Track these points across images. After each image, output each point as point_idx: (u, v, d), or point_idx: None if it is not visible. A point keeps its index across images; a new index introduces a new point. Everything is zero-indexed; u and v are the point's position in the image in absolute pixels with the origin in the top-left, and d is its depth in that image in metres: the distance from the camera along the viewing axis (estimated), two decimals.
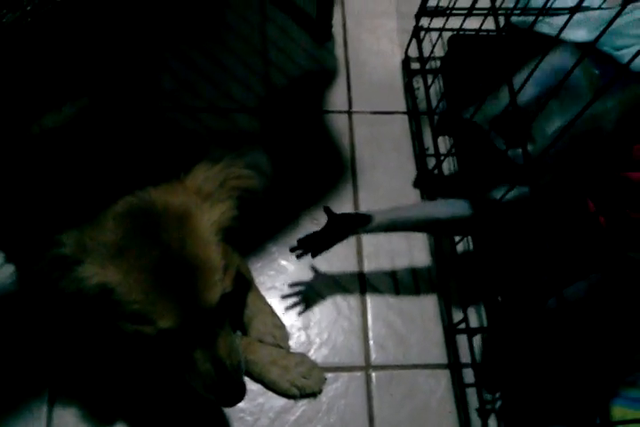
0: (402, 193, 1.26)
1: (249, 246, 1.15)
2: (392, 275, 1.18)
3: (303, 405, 1.04)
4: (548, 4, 1.05)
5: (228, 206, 0.76)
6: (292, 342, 1.09)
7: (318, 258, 1.15)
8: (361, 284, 1.17)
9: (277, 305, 1.12)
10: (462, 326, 1.09)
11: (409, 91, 1.38)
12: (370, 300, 1.15)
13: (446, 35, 1.36)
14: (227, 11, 1.42)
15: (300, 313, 1.13)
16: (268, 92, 1.33)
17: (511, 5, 1.24)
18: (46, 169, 0.78)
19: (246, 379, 1.02)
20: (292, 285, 1.15)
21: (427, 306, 1.17)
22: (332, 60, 1.39)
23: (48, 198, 0.75)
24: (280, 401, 1.04)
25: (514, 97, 0.94)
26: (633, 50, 1.06)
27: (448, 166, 1.29)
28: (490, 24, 1.13)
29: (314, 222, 1.21)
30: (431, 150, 1.28)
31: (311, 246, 0.98)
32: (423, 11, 1.33)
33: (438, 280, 1.19)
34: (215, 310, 0.72)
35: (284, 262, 1.16)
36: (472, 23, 1.20)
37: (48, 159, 0.79)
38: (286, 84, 1.35)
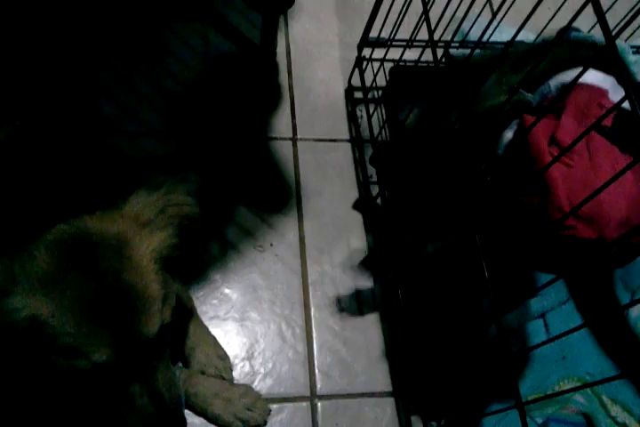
0: (346, 220, 1.27)
1: (191, 275, 1.13)
2: (337, 302, 1.18)
3: None
4: (484, 38, 1.09)
5: (167, 234, 0.73)
6: (235, 373, 1.06)
7: (262, 286, 1.15)
8: (306, 312, 1.16)
9: (220, 335, 1.09)
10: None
11: (352, 119, 1.40)
12: (315, 328, 1.14)
13: (388, 65, 1.38)
14: (168, 34, 1.41)
15: (243, 343, 1.10)
16: (210, 118, 1.32)
17: (449, 38, 1.27)
18: None
19: (188, 413, 0.99)
20: (236, 314, 1.13)
21: (371, 333, 1.16)
22: (276, 88, 1.40)
23: None
24: None
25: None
26: None
27: None
28: (429, 55, 1.16)
29: (258, 249, 1.19)
30: (374, 178, 1.30)
31: None
32: (365, 41, 1.35)
33: (382, 307, 1.19)
34: (154, 342, 0.69)
35: (227, 291, 1.14)
36: (412, 54, 1.23)
37: None
38: (229, 111, 1.34)
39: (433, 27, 1.04)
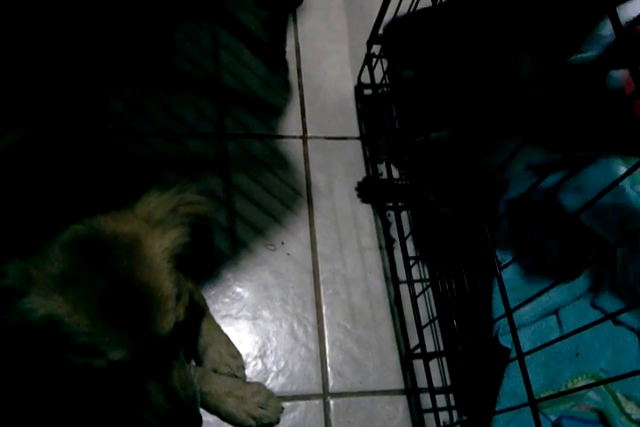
0: (357, 218, 1.26)
1: (203, 273, 1.13)
2: (348, 301, 1.18)
3: None
4: None
5: (179, 233, 0.74)
6: (248, 372, 1.07)
7: (274, 284, 1.15)
8: (318, 310, 1.16)
9: (233, 334, 1.09)
10: (418, 351, 1.10)
11: (362, 116, 1.39)
12: (327, 326, 1.14)
13: None
14: (176, 34, 1.41)
15: (255, 341, 1.11)
16: (221, 117, 1.32)
17: None
18: None
19: (201, 411, 0.99)
20: (248, 312, 1.13)
21: (383, 332, 1.16)
22: (285, 86, 1.40)
23: None
24: None
25: None
26: None
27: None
28: None
29: (269, 248, 1.19)
30: (385, 175, 1.30)
31: None
32: (374, 38, 1.35)
33: (394, 305, 1.18)
34: (168, 340, 0.70)
35: (239, 289, 1.14)
36: None
37: None
38: (240, 110, 1.34)
39: None
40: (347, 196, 1.28)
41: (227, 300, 1.13)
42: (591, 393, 1.06)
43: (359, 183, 1.30)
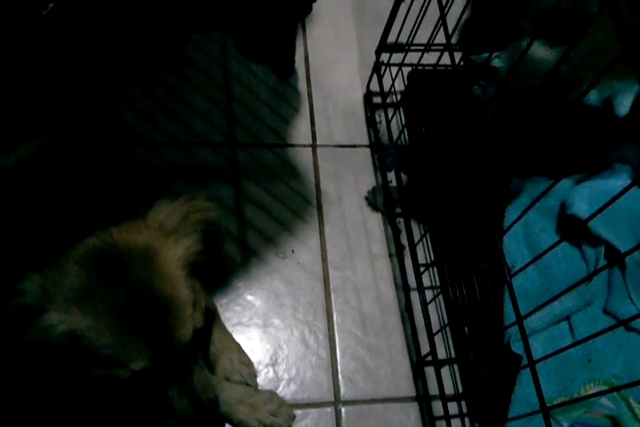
0: (367, 226, 1.27)
1: (214, 282, 1.14)
2: (359, 308, 1.18)
3: None
4: None
5: (192, 241, 0.75)
6: (259, 379, 1.07)
7: (284, 292, 1.15)
8: (328, 318, 1.16)
9: (244, 341, 1.10)
10: (430, 358, 1.10)
11: (371, 124, 1.40)
12: (338, 334, 1.15)
13: (406, 69, 1.38)
14: (187, 45, 1.43)
15: (267, 349, 1.11)
16: (231, 127, 1.34)
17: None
18: (3, 210, 0.76)
19: None
20: (259, 320, 1.14)
21: (394, 339, 1.16)
22: (295, 95, 1.41)
23: (7, 240, 0.73)
24: None
25: None
26: None
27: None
28: (447, 59, 1.16)
29: (279, 256, 1.20)
30: (394, 182, 1.30)
31: None
32: (383, 46, 1.36)
33: (405, 312, 1.19)
34: (188, 346, 0.71)
35: (250, 298, 1.15)
36: (431, 58, 1.23)
37: (4, 200, 0.77)
38: (249, 119, 1.35)
39: (450, 30, 1.05)
40: (356, 203, 1.29)
41: (238, 308, 1.14)
42: (604, 400, 1.06)
43: (369, 192, 1.30)
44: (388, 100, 1.40)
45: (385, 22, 1.28)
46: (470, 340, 1.13)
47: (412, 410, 1.10)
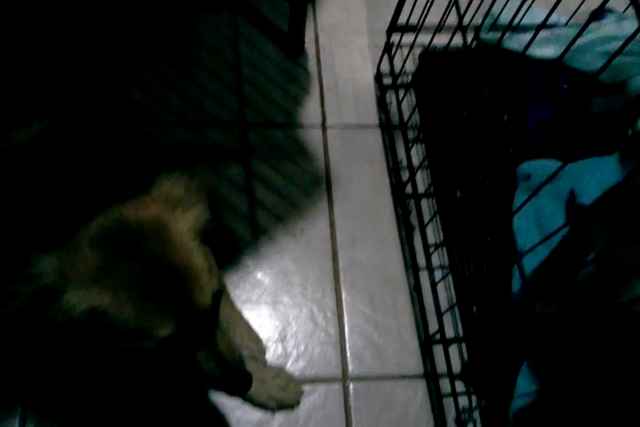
0: (377, 206, 1.27)
1: (224, 260, 1.15)
2: (368, 287, 1.19)
3: (281, 418, 1.04)
4: (515, 22, 1.08)
5: (199, 210, 0.76)
6: (268, 355, 1.09)
7: (293, 270, 1.17)
8: (337, 296, 1.17)
9: (253, 318, 1.11)
10: (438, 336, 1.10)
11: (381, 105, 1.40)
12: (346, 312, 1.16)
13: (417, 50, 1.38)
14: (197, 25, 1.43)
15: (276, 326, 1.12)
16: (241, 106, 1.34)
17: (479, 22, 1.27)
18: (11, 188, 0.76)
19: (222, 393, 1.02)
20: (268, 298, 1.15)
21: (403, 318, 1.17)
22: (304, 75, 1.41)
23: (15, 220, 0.73)
24: (257, 414, 1.03)
25: None
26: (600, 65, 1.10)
27: (422, 178, 1.31)
28: (459, 40, 1.16)
29: (289, 235, 1.21)
30: (404, 163, 1.30)
31: None
32: (394, 27, 1.35)
33: (413, 292, 1.19)
34: (209, 310, 0.72)
35: (259, 276, 1.16)
36: (442, 38, 1.22)
37: (14, 177, 0.77)
38: (260, 99, 1.36)
39: (463, 10, 1.04)
40: (366, 184, 1.29)
41: (247, 285, 1.15)
42: None
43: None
44: (399, 81, 1.39)
45: (396, 2, 1.28)
46: (478, 319, 1.14)
47: (420, 388, 1.11)
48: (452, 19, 1.13)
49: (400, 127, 1.34)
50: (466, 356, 1.14)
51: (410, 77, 1.42)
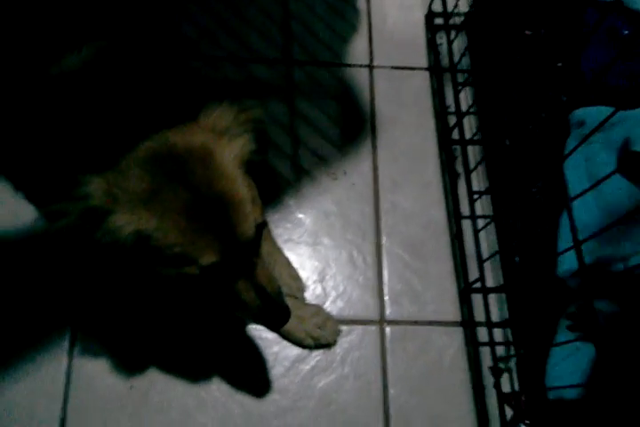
0: (421, 150, 1.24)
1: (266, 199, 1.14)
2: (408, 233, 1.17)
3: (317, 355, 1.05)
4: None
5: (245, 140, 0.75)
6: (307, 294, 1.09)
7: (335, 212, 1.16)
8: (377, 240, 1.16)
9: (293, 258, 1.11)
10: (478, 284, 1.09)
11: (431, 46, 1.35)
12: (386, 256, 1.15)
13: None
14: None
15: (315, 266, 1.12)
16: (288, 43, 1.31)
17: None
18: (64, 112, 0.76)
19: (261, 328, 1.03)
20: (309, 238, 1.14)
21: (442, 264, 1.16)
22: (353, 13, 1.36)
23: (67, 141, 0.74)
24: (295, 351, 1.04)
25: None
26: None
27: (469, 124, 1.27)
28: None
29: (331, 177, 1.19)
30: (452, 108, 1.26)
31: None
32: None
33: (455, 240, 1.17)
34: (251, 240, 0.72)
35: (301, 216, 1.15)
36: None
37: (66, 101, 0.77)
38: (307, 36, 1.32)
39: None
40: (412, 127, 1.26)
41: (289, 225, 1.14)
42: None
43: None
44: (451, 22, 1.34)
45: None
46: (521, 269, 1.12)
47: (456, 335, 1.10)
48: None
49: (449, 70, 1.29)
50: (504, 305, 1.13)
51: (462, 18, 1.36)
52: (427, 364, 1.07)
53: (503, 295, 1.14)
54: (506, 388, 1.06)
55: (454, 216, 1.19)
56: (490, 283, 1.13)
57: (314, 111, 1.24)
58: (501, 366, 1.07)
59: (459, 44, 1.33)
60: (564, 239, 1.08)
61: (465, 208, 1.18)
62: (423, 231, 1.18)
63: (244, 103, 0.78)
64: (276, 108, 1.23)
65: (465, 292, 1.13)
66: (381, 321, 1.09)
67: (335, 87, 1.27)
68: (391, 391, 1.05)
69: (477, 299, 1.11)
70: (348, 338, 1.07)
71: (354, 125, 1.25)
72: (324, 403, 1.02)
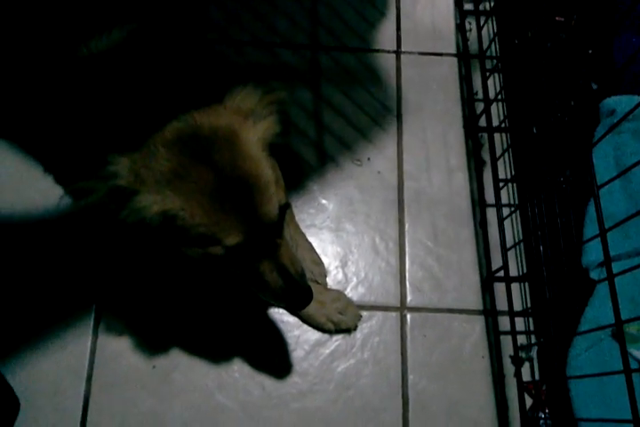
0: (447, 138, 1.23)
1: (290, 183, 1.14)
2: (432, 220, 1.17)
3: (338, 340, 1.05)
4: None
5: (269, 122, 0.75)
6: (329, 280, 1.10)
7: (358, 199, 1.16)
8: (400, 227, 1.16)
9: (316, 243, 1.12)
10: (501, 273, 1.08)
11: (460, 32, 1.33)
12: (408, 243, 1.14)
13: None
14: None
15: (337, 252, 1.13)
16: (315, 28, 1.30)
17: None
18: (92, 93, 0.77)
19: (283, 312, 1.04)
20: (332, 224, 1.14)
21: (465, 252, 1.15)
22: None
23: (95, 122, 0.74)
24: (315, 335, 1.05)
25: None
26: None
27: (496, 111, 1.25)
28: None
29: (355, 163, 1.19)
30: (480, 95, 1.25)
31: None
32: None
33: (479, 228, 1.17)
34: (275, 222, 0.73)
35: (324, 201, 1.16)
36: None
37: (95, 83, 0.78)
38: (334, 21, 1.31)
39: None
40: (438, 114, 1.25)
41: (312, 210, 1.15)
42: None
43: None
44: (481, 7, 1.32)
45: None
46: (544, 258, 1.11)
47: (478, 323, 1.10)
48: None
49: (478, 56, 1.27)
50: (526, 294, 1.12)
51: (492, 3, 1.34)
52: (447, 351, 1.07)
53: (525, 284, 1.13)
54: (526, 377, 1.06)
55: (479, 204, 1.18)
56: (513, 272, 1.12)
57: (339, 97, 1.24)
58: (522, 355, 1.07)
59: (488, 29, 1.31)
60: (590, 229, 1.07)
61: (490, 196, 1.17)
62: (447, 219, 1.17)
63: (269, 86, 0.78)
64: (302, 93, 1.23)
65: (488, 280, 1.12)
66: (402, 308, 1.10)
67: (361, 73, 1.27)
68: (410, 377, 1.05)
69: (499, 287, 1.10)
70: (369, 324, 1.07)
71: (379, 112, 1.24)
72: (342, 387, 1.03)
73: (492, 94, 1.24)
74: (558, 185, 1.14)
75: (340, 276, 1.10)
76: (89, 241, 1.07)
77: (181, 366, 1.03)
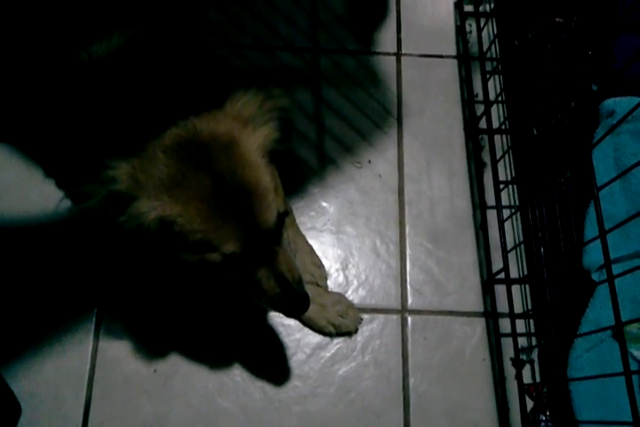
0: (448, 140, 1.23)
1: (290, 187, 1.15)
2: (432, 222, 1.17)
3: (338, 343, 1.06)
4: None
5: (269, 129, 0.75)
6: (329, 282, 1.10)
7: (359, 201, 1.16)
8: (400, 229, 1.16)
9: (316, 246, 1.12)
10: (501, 275, 1.08)
11: (461, 34, 1.33)
12: (409, 245, 1.14)
13: None
14: None
15: (338, 255, 1.13)
16: (315, 31, 1.30)
17: None
18: (93, 98, 0.77)
19: (283, 315, 1.04)
20: (332, 226, 1.15)
21: (466, 255, 1.15)
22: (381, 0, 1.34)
23: (95, 127, 0.74)
24: (316, 338, 1.05)
25: None
26: None
27: (496, 113, 1.25)
28: None
29: (356, 166, 1.19)
30: (480, 97, 1.25)
31: None
32: None
33: (479, 230, 1.17)
34: (273, 229, 0.73)
35: (324, 204, 1.16)
36: None
37: (95, 88, 0.78)
38: (334, 23, 1.31)
39: None
40: (438, 116, 1.25)
41: (312, 213, 1.15)
42: None
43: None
44: (481, 9, 1.32)
45: None
46: (545, 260, 1.11)
47: (478, 325, 1.10)
48: None
49: (478, 58, 1.27)
50: (527, 296, 1.12)
51: (492, 5, 1.34)
52: (448, 354, 1.07)
53: (526, 286, 1.13)
54: (527, 379, 1.06)
55: (479, 206, 1.19)
56: (513, 274, 1.12)
57: (339, 99, 1.24)
58: (523, 357, 1.07)
59: (488, 31, 1.31)
60: (591, 230, 1.07)
61: (490, 198, 1.17)
62: (447, 221, 1.17)
63: (271, 91, 0.78)
64: (302, 95, 1.23)
65: (488, 282, 1.12)
66: (403, 310, 1.10)
67: (361, 75, 1.27)
68: (411, 380, 1.05)
69: (500, 289, 1.10)
70: (370, 326, 1.07)
71: (379, 114, 1.24)
72: (343, 390, 1.04)
73: (492, 96, 1.24)
74: (558, 187, 1.14)
75: (341, 278, 1.11)
76: (90, 246, 1.07)
77: (182, 371, 1.03)
